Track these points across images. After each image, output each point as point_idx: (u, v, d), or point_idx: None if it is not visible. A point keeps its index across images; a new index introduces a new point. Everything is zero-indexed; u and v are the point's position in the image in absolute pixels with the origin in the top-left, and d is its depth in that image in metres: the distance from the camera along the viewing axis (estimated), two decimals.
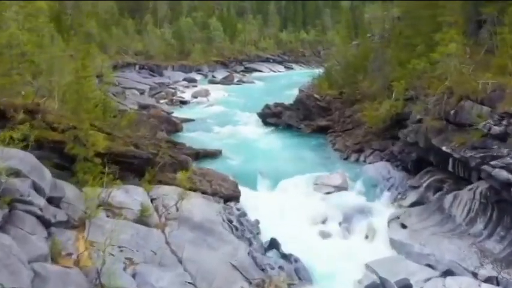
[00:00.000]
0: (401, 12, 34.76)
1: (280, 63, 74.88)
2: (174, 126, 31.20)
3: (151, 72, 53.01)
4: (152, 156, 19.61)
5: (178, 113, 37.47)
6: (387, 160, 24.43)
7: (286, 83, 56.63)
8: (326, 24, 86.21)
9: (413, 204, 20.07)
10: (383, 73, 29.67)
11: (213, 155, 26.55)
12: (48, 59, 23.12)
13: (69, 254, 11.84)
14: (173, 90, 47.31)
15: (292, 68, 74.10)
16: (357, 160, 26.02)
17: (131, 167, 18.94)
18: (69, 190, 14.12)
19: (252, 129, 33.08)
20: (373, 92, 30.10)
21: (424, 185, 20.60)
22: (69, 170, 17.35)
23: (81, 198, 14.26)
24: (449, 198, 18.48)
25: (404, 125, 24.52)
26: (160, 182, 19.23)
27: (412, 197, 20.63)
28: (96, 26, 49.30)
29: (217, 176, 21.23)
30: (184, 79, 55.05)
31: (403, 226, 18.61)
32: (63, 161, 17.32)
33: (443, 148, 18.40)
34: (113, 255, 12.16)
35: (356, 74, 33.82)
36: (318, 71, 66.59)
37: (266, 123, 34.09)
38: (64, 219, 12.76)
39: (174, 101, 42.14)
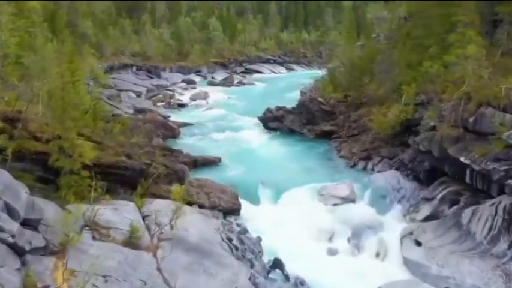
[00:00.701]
0: (408, 11, 33.39)
1: (281, 64, 73.27)
2: (171, 132, 29.72)
3: (148, 74, 51.45)
4: (146, 167, 18.14)
5: (176, 117, 35.99)
6: (397, 169, 22.95)
7: (288, 84, 55.22)
8: (328, 24, 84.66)
9: (427, 218, 18.63)
10: (391, 76, 28.23)
11: (212, 162, 25.12)
12: (38, 61, 21.69)
13: (46, 287, 10.36)
14: (171, 93, 45.81)
15: (293, 69, 72.54)
16: (364, 168, 24.54)
17: (122, 179, 17.49)
18: (49, 210, 12.62)
19: (252, 134, 31.59)
20: (380, 95, 28.64)
21: (439, 197, 19.15)
22: (54, 183, 15.92)
23: (64, 218, 12.75)
24: (467, 213, 17.00)
25: (414, 132, 23.10)
26: (154, 195, 17.78)
27: (425, 210, 19.18)
28: (92, 26, 47.75)
29: (216, 187, 19.75)
30: (183, 81, 53.53)
31: (418, 243, 17.18)
32: (47, 173, 15.88)
33: (462, 159, 16.94)
34: (96, 286, 10.68)
35: (361, 77, 32.36)
36: (320, 72, 65.45)
37: (267, 128, 32.63)
38: (41, 244, 11.27)
39: (172, 103, 40.62)
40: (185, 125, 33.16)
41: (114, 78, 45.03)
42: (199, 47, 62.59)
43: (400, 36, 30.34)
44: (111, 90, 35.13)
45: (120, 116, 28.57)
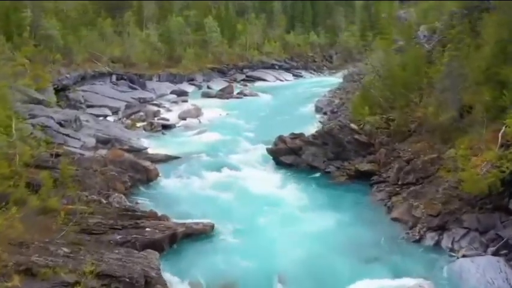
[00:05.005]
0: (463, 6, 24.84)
1: (287, 70, 64.19)
2: (145, 174, 20.96)
3: (131, 84, 42.60)
4: None
5: (157, 145, 27.23)
6: (496, 252, 14.29)
7: (298, 95, 46.74)
8: (338, 25, 75.93)
9: None
10: (459, 96, 19.67)
11: (200, 233, 16.43)
12: None
13: None
14: (156, 109, 36.92)
15: (301, 76, 63.54)
16: (437, 244, 15.74)
17: None
18: None
19: (259, 174, 22.84)
20: (442, 123, 20.02)
21: None
22: None
23: None
24: None
25: None
26: None
27: None
28: (60, 27, 39.05)
29: None
30: (173, 92, 44.57)
31: None
32: None
33: None
34: None
35: (407, 93, 23.73)
36: (332, 79, 56.94)
37: (279, 163, 23.90)
38: None
39: (155, 125, 31.73)
40: (167, 159, 24.41)
41: (84, 90, 36.48)
42: (193, 51, 53.67)
43: (468, 39, 21.68)
44: (67, 112, 26.19)
45: (70, 155, 19.83)
